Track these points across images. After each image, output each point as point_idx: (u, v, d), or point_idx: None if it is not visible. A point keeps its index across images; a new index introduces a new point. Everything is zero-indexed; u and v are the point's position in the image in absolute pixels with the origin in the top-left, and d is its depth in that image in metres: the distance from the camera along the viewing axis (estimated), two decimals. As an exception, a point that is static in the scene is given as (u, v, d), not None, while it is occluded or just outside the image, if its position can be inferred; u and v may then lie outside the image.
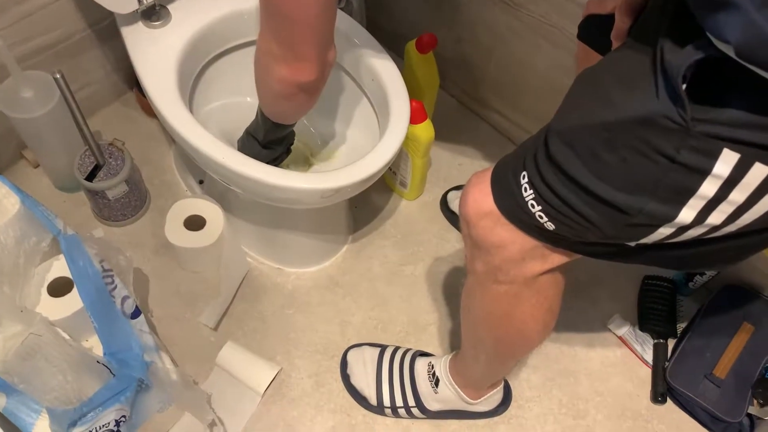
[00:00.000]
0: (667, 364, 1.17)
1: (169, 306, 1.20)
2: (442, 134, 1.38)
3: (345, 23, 1.09)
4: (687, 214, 0.56)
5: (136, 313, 1.05)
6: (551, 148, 0.62)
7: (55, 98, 1.11)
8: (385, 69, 1.05)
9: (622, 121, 0.55)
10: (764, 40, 0.44)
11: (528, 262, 0.71)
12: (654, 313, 1.22)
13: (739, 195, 0.53)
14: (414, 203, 1.37)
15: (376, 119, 1.09)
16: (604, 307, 1.24)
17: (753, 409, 1.10)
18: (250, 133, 1.04)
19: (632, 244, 0.64)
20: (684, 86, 0.50)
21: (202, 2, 1.09)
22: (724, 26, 0.47)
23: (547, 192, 0.63)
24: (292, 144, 1.08)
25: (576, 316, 1.23)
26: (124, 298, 1.03)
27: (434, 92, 1.35)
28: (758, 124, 0.49)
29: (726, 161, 0.51)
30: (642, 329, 1.22)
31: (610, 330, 1.21)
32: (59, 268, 1.03)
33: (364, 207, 1.34)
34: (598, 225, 0.62)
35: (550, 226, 0.65)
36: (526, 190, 0.65)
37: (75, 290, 0.99)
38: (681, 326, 1.23)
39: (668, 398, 1.16)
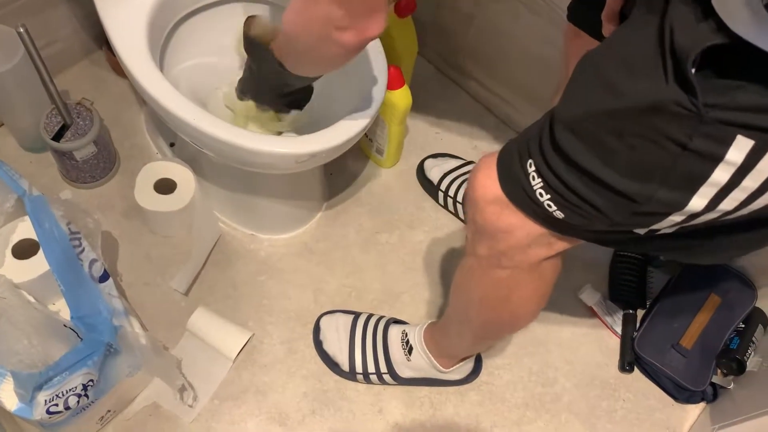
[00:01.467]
0: (635, 334, 1.18)
1: (139, 270, 1.18)
2: (420, 102, 1.37)
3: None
4: (698, 201, 0.55)
5: (104, 277, 1.03)
6: (557, 137, 0.60)
7: (19, 54, 1.07)
8: (362, 32, 1.02)
9: (630, 109, 0.54)
10: None
11: (533, 248, 0.71)
12: (624, 285, 1.24)
13: (752, 182, 0.52)
14: (390, 171, 1.36)
15: (352, 84, 1.07)
16: (577, 278, 1.25)
17: (717, 379, 1.13)
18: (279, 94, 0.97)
19: (642, 232, 0.64)
20: (693, 70, 0.49)
21: (173, -43, 1.05)
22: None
23: (555, 181, 0.62)
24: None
25: (548, 286, 1.23)
26: (92, 261, 1.01)
27: (412, 58, 1.33)
28: None
29: (739, 148, 0.50)
30: (612, 300, 1.23)
31: (581, 300, 1.23)
32: (24, 229, 1.00)
33: (340, 174, 1.33)
34: (608, 213, 0.61)
35: (560, 214, 0.64)
36: (534, 178, 0.63)
37: (41, 252, 0.97)
38: (651, 295, 1.24)
39: (635, 367, 1.18)
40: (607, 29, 0.77)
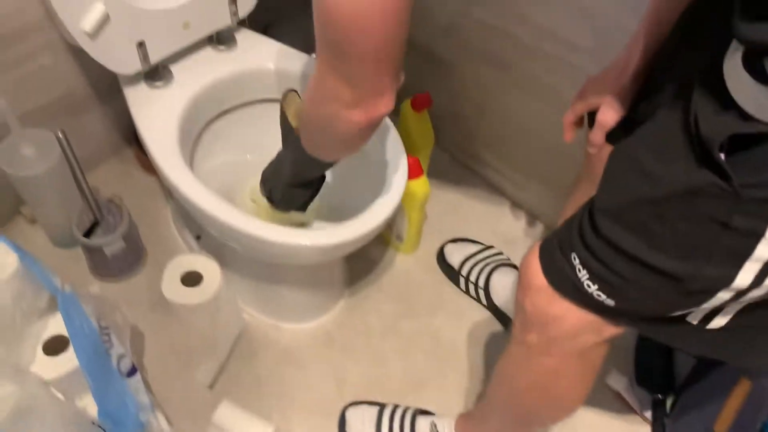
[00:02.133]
0: (666, 420, 1.16)
1: (164, 363, 1.18)
2: (437, 188, 1.41)
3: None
4: (744, 277, 0.56)
5: (132, 372, 1.04)
6: (599, 226, 0.62)
7: (55, 156, 1.12)
8: (382, 128, 1.07)
9: (668, 194, 0.56)
10: None
11: (583, 335, 0.71)
12: (651, 368, 1.22)
13: None
14: (410, 257, 1.38)
15: (374, 175, 1.11)
16: (602, 362, 1.23)
17: (754, 466, 1.09)
18: (288, 184, 0.98)
19: (694, 322, 0.64)
20: (723, 155, 0.51)
21: (203, 63, 1.12)
22: None
23: (602, 269, 0.63)
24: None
25: (574, 370, 1.22)
26: (120, 357, 1.02)
27: (429, 148, 1.38)
28: None
29: None
30: (640, 384, 1.21)
31: (607, 385, 1.21)
32: (55, 325, 1.02)
33: (360, 261, 1.35)
34: (657, 295, 0.61)
35: (610, 302, 0.65)
36: (579, 270, 0.65)
37: (71, 348, 0.98)
38: (679, 381, 1.22)
39: (669, 454, 1.14)
40: (591, 150, 0.82)
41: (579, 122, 0.87)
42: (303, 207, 1.04)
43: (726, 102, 0.51)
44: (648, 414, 1.18)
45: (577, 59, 1.09)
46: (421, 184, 1.21)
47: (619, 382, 1.20)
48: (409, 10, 0.62)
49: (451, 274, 1.33)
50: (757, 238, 0.53)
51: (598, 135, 0.80)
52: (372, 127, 0.74)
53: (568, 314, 0.69)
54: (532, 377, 0.80)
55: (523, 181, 1.41)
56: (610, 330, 0.71)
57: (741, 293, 0.58)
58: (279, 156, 0.99)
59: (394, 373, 1.20)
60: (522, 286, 0.73)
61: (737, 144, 0.50)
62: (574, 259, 0.65)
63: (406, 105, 1.30)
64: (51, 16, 1.07)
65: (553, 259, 0.68)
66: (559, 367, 0.76)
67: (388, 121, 1.08)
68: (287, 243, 0.94)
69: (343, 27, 0.61)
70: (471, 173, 1.51)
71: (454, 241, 1.37)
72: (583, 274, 0.64)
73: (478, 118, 1.39)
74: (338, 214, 1.16)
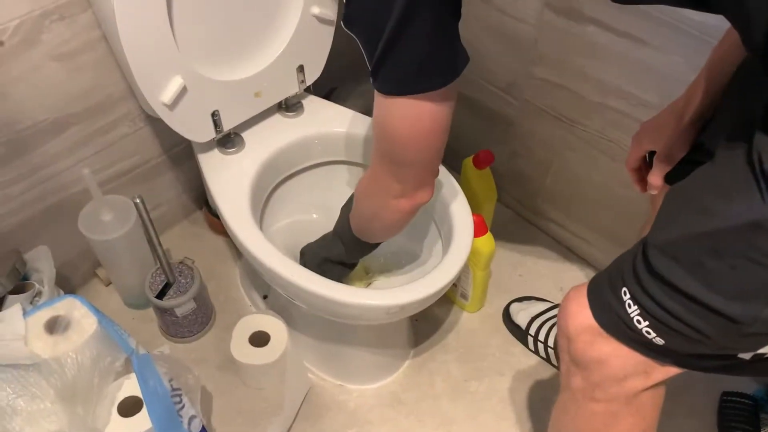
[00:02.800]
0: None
1: (232, 424, 1.18)
2: (501, 245, 1.39)
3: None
4: None
5: (201, 433, 1.05)
6: (653, 262, 0.61)
7: (131, 221, 1.17)
8: (446, 185, 1.08)
9: (728, 228, 0.55)
10: None
11: (630, 379, 0.69)
12: (735, 415, 1.15)
13: None
14: (476, 315, 1.36)
15: (438, 234, 1.11)
16: (682, 426, 1.17)
17: None
18: (325, 258, 1.07)
19: (748, 356, 0.62)
20: None
21: (273, 129, 1.16)
22: None
23: (654, 306, 0.61)
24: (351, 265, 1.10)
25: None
26: (192, 418, 1.03)
27: (492, 205, 1.38)
28: None
29: None
30: (725, 441, 1.14)
31: (691, 449, 1.14)
32: (130, 387, 1.04)
33: (425, 320, 1.34)
34: (712, 336, 0.60)
35: (660, 341, 0.63)
36: (629, 306, 0.64)
37: (144, 410, 1.00)
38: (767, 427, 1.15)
39: None
40: (651, 192, 0.82)
41: (641, 169, 0.86)
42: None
43: None
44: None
45: (642, 113, 1.08)
46: (486, 241, 1.20)
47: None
48: (449, 124, 0.78)
49: (518, 333, 1.30)
50: None
51: (656, 177, 0.80)
52: (414, 212, 0.87)
53: (614, 354, 0.67)
54: (579, 425, 0.77)
55: (589, 236, 1.38)
56: (658, 374, 0.69)
57: None
58: (325, 237, 1.09)
59: (463, 436, 1.17)
60: (562, 329, 0.72)
61: None
62: (625, 294, 0.64)
63: (468, 162, 1.31)
64: (132, 88, 1.14)
65: (602, 295, 0.67)
66: (606, 414, 0.73)
67: (453, 181, 1.08)
68: (354, 303, 0.95)
69: (400, 144, 0.76)
70: (535, 229, 1.50)
71: (520, 300, 1.35)
72: (633, 310, 0.63)
73: (541, 173, 1.38)
74: (405, 274, 1.16)
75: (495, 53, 1.28)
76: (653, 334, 0.63)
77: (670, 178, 0.78)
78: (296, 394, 1.20)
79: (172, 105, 0.99)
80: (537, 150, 1.35)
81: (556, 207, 1.41)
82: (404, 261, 1.20)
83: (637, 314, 0.63)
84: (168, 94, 0.97)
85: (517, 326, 1.30)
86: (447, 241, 1.04)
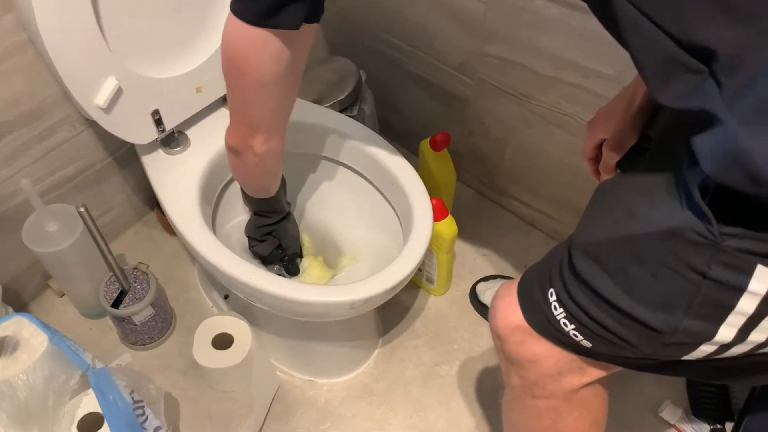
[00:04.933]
0: (728, 451, 1.10)
1: (200, 430, 1.16)
2: (464, 226, 1.37)
3: (359, 131, 1.11)
4: (726, 331, 0.53)
5: (168, 444, 1.02)
6: (576, 264, 0.60)
7: (78, 230, 1.12)
8: (403, 173, 1.05)
9: (649, 234, 0.54)
10: (742, 159, 0.43)
11: (565, 376, 0.68)
12: (706, 397, 1.16)
13: None
14: (442, 298, 1.35)
15: (398, 222, 1.09)
16: (653, 394, 1.18)
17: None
18: (256, 228, 1.07)
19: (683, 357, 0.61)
20: (707, 200, 0.49)
21: (218, 125, 1.11)
22: (701, 144, 0.46)
23: (578, 311, 0.60)
24: (284, 218, 1.07)
25: (624, 406, 1.17)
26: (156, 429, 1.00)
27: (452, 187, 1.36)
28: None
29: (761, 278, 0.49)
30: (696, 415, 1.15)
31: (662, 418, 1.15)
32: (89, 403, 1.00)
33: (393, 307, 1.32)
34: (635, 345, 0.59)
35: (587, 344, 0.62)
36: (556, 308, 0.63)
37: (105, 426, 0.96)
38: (737, 407, 1.16)
39: (736, 489, 1.08)
40: (603, 179, 0.79)
41: (598, 158, 0.84)
42: (280, 257, 1.10)
43: None
44: (708, 446, 1.12)
45: (597, 85, 1.06)
46: (447, 225, 1.18)
47: (674, 415, 1.14)
48: (291, 81, 0.78)
49: (486, 313, 1.29)
50: (738, 291, 0.50)
51: (605, 166, 0.78)
52: (230, 150, 0.88)
53: (546, 354, 0.67)
54: (527, 421, 0.77)
55: (551, 210, 1.37)
56: (593, 371, 0.68)
57: (725, 347, 0.55)
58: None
59: (436, 422, 1.16)
60: (493, 329, 0.71)
61: (725, 192, 0.48)
62: (551, 295, 0.63)
63: (425, 145, 1.28)
64: (65, 93, 1.08)
65: (532, 294, 0.66)
66: (549, 410, 0.73)
67: (410, 167, 1.06)
68: (314, 301, 0.92)
69: (236, 70, 0.74)
70: (497, 207, 1.48)
71: (486, 279, 1.34)
72: (559, 313, 0.62)
73: (500, 151, 1.36)
74: (366, 267, 1.14)
75: (445, 31, 1.25)
76: (580, 337, 0.62)
77: (620, 167, 0.77)
78: (265, 394, 1.18)
79: (108, 108, 0.94)
80: (494, 128, 1.33)
81: (517, 184, 1.40)
82: (367, 252, 1.17)
83: (564, 317, 0.62)
84: (102, 96, 0.92)
85: (485, 306, 1.29)
86: (407, 229, 1.02)
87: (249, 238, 1.08)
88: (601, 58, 1.03)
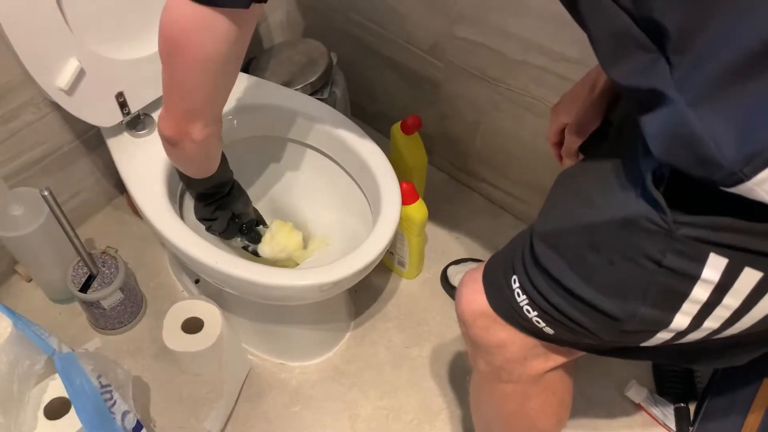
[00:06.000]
0: (690, 428, 1.12)
1: (171, 413, 1.16)
2: (436, 209, 1.38)
3: (329, 114, 1.10)
4: (681, 319, 0.54)
5: (137, 428, 1.02)
6: (537, 252, 0.61)
7: (44, 214, 1.10)
8: (372, 156, 1.05)
9: (606, 222, 0.54)
10: (688, 140, 0.44)
11: (531, 361, 0.69)
12: (671, 376, 1.18)
13: (733, 300, 0.51)
14: (414, 281, 1.35)
15: (367, 205, 1.09)
16: (619, 374, 1.20)
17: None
18: (204, 206, 1.01)
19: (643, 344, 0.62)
20: (661, 189, 0.50)
21: (186, 107, 1.10)
22: (650, 125, 0.47)
23: (540, 298, 0.61)
24: (230, 190, 1.02)
25: (591, 385, 1.19)
26: (125, 413, 1.00)
27: (423, 170, 1.36)
28: (743, 228, 0.47)
29: (714, 266, 0.49)
30: (660, 394, 1.18)
31: (627, 397, 1.17)
32: (55, 388, 0.99)
33: (364, 290, 1.32)
34: (595, 332, 0.60)
35: (549, 330, 0.63)
36: (519, 295, 0.63)
37: (73, 410, 0.96)
38: (701, 386, 1.19)
39: (697, 465, 1.11)
40: (566, 164, 0.79)
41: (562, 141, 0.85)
42: (238, 228, 1.06)
43: None
44: (672, 424, 1.14)
45: (564, 68, 1.07)
46: (418, 208, 1.18)
47: (639, 394, 1.16)
48: (230, 65, 0.73)
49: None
50: (692, 279, 0.51)
51: (566, 151, 0.79)
52: (164, 138, 0.81)
53: (510, 340, 0.68)
54: (495, 405, 0.78)
55: (521, 193, 1.38)
56: (558, 355, 0.69)
57: (680, 334, 0.56)
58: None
59: (407, 403, 1.17)
60: (458, 314, 0.71)
61: (680, 181, 0.49)
62: (514, 282, 0.64)
63: (396, 128, 1.28)
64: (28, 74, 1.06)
65: (496, 280, 0.67)
66: (517, 394, 0.74)
67: (379, 151, 1.06)
68: (283, 284, 0.92)
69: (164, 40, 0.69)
70: (468, 190, 1.49)
71: (456, 262, 1.34)
72: (522, 299, 0.63)
73: (470, 134, 1.37)
74: (336, 251, 1.14)
75: (415, 13, 1.24)
76: (542, 324, 0.63)
77: (582, 151, 0.77)
78: (236, 377, 1.18)
79: (70, 90, 0.93)
80: (464, 111, 1.33)
81: (488, 167, 1.40)
82: (337, 235, 1.17)
83: (526, 304, 0.63)
84: (64, 78, 0.91)
85: (455, 288, 1.29)
86: (376, 212, 1.02)
87: (202, 220, 1.02)
88: (567, 40, 1.03)
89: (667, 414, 1.15)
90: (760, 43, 0.40)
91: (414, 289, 1.34)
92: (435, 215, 1.40)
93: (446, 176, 1.51)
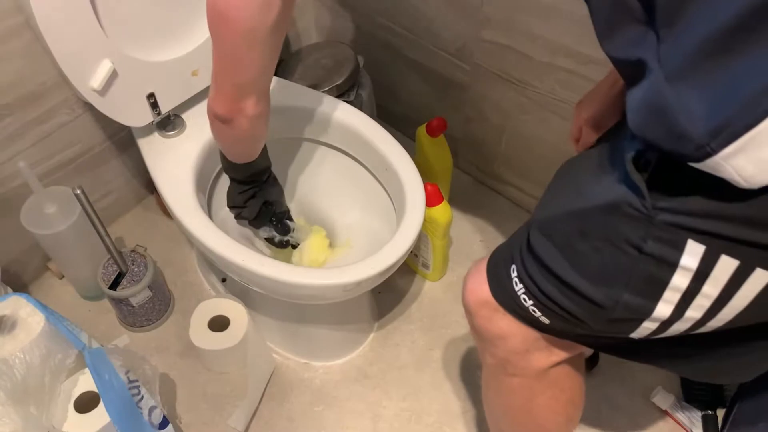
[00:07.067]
0: (719, 437, 1.10)
1: (196, 410, 1.17)
2: (461, 212, 1.38)
3: (355, 116, 1.11)
4: (664, 308, 0.54)
5: (164, 423, 1.04)
6: (531, 240, 0.62)
7: (77, 212, 1.13)
8: (397, 158, 1.06)
9: (592, 209, 0.55)
10: (664, 113, 0.44)
11: (533, 354, 0.70)
12: (698, 383, 1.17)
13: (711, 289, 0.51)
14: (438, 284, 1.35)
15: (392, 207, 1.10)
16: (645, 379, 1.19)
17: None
18: (239, 194, 1.04)
19: (635, 336, 0.62)
20: (646, 175, 0.50)
21: (214, 108, 1.12)
22: (631, 98, 0.47)
23: (533, 287, 0.62)
24: (264, 181, 1.04)
25: (616, 390, 1.17)
26: (152, 409, 1.02)
27: (448, 173, 1.36)
28: (720, 214, 0.47)
29: (692, 253, 0.49)
30: (687, 401, 1.16)
31: (654, 404, 1.16)
32: (85, 382, 1.02)
33: (388, 292, 1.33)
34: (583, 320, 0.60)
35: (545, 320, 0.64)
36: (516, 284, 0.64)
37: (101, 405, 0.98)
38: (729, 394, 1.17)
39: (725, 474, 1.09)
40: None
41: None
42: (270, 215, 1.08)
43: None
44: (699, 431, 1.13)
45: (591, 71, 1.06)
46: (443, 210, 1.18)
47: (665, 401, 1.15)
48: (275, 39, 0.75)
49: (481, 299, 1.29)
50: (671, 266, 0.51)
51: (581, 146, 0.80)
52: (217, 118, 0.83)
53: (512, 332, 0.68)
54: (503, 399, 0.78)
55: (548, 198, 1.37)
56: (560, 349, 0.69)
57: (665, 324, 0.56)
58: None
59: (429, 405, 1.17)
60: (463, 303, 0.72)
61: (663, 168, 0.49)
62: (513, 271, 0.64)
63: (422, 131, 1.28)
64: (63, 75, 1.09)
65: (498, 270, 0.67)
66: (523, 388, 0.74)
67: (404, 152, 1.06)
68: (307, 283, 0.93)
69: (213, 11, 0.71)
70: (494, 193, 1.49)
71: (481, 264, 1.34)
72: (519, 289, 0.64)
73: (496, 137, 1.36)
74: (360, 251, 1.15)
75: (442, 17, 1.25)
76: (538, 313, 0.63)
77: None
78: (261, 376, 1.19)
79: (103, 90, 0.95)
80: (490, 114, 1.33)
81: (513, 170, 1.40)
82: (362, 236, 1.18)
83: (523, 293, 0.63)
84: (97, 79, 0.93)
85: (479, 292, 1.29)
86: (400, 214, 1.03)
87: (233, 207, 1.04)
88: (594, 42, 1.03)
89: (694, 421, 1.14)
90: (736, 17, 0.40)
91: (438, 292, 1.34)
92: (460, 218, 1.40)
93: (471, 179, 1.51)
